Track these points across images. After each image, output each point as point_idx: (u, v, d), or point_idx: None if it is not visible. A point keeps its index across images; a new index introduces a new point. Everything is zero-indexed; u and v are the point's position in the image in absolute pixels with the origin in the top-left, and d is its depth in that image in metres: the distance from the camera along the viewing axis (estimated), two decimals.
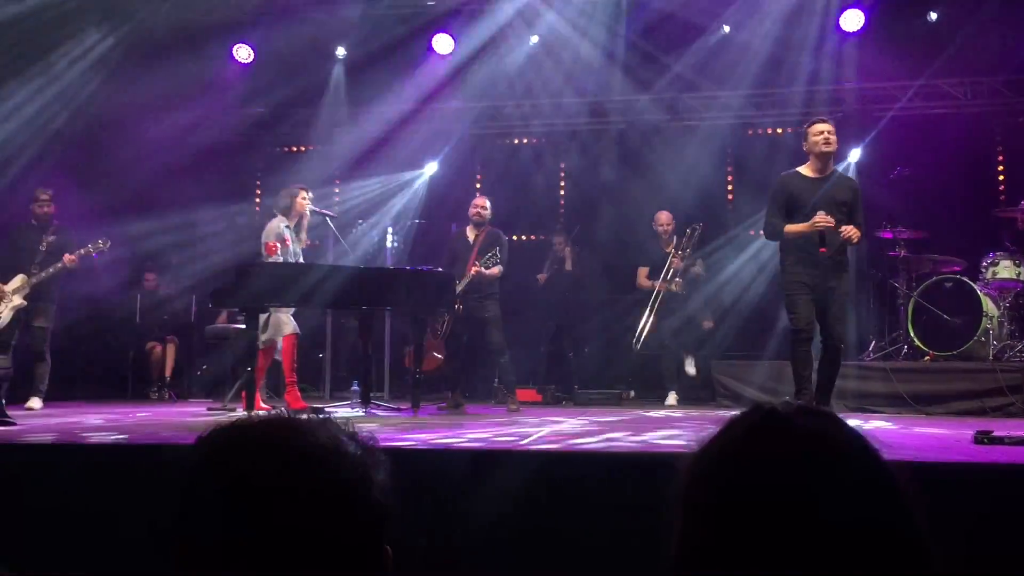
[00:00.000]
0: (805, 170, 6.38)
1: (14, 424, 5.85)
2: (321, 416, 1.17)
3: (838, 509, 0.96)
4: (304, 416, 1.16)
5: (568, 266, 10.16)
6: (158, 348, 10.16)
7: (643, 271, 9.41)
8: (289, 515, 1.03)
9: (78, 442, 4.84)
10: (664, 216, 9.44)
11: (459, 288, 8.04)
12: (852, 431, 1.06)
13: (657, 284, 9.12)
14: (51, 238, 8.09)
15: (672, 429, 5.83)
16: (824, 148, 6.24)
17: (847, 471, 1.00)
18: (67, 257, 7.92)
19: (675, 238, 9.34)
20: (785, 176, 6.47)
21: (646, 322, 8.97)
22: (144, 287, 10.60)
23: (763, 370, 8.50)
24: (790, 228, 6.18)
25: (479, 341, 8.27)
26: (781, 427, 1.04)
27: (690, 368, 9.13)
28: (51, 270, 7.91)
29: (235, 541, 1.02)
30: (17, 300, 7.87)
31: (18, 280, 7.91)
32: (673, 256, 9.20)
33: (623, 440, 4.95)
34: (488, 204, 8.45)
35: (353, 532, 1.07)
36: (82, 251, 8.01)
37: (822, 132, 6.27)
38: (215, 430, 1.12)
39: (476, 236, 8.30)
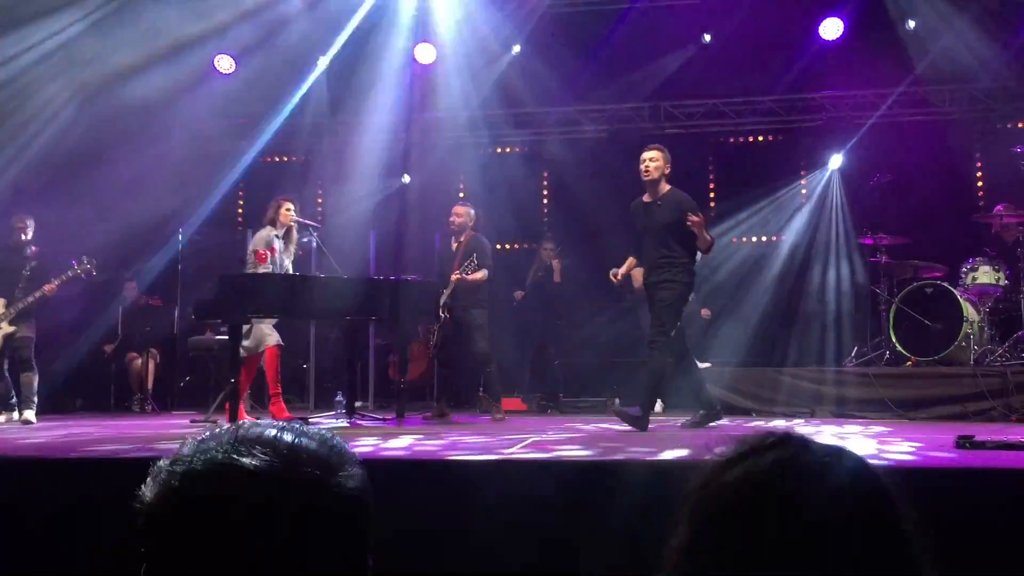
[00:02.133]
0: (645, 196, 6.76)
1: None
2: (281, 422, 1.15)
3: (854, 548, 0.99)
4: (255, 423, 1.14)
5: (556, 278, 10.17)
6: (138, 360, 10.10)
7: (638, 272, 9.39)
8: (263, 533, 1.02)
9: (64, 456, 4.80)
10: None
11: (444, 297, 8.03)
12: (868, 469, 1.07)
13: None
14: (33, 263, 8.05)
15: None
16: (643, 177, 6.68)
17: (870, 516, 1.02)
18: (47, 287, 7.89)
19: None
20: (633, 202, 6.87)
21: None
22: (125, 296, 10.54)
23: (745, 376, 8.53)
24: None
25: (465, 349, 8.25)
26: (807, 464, 1.05)
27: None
28: (33, 297, 7.87)
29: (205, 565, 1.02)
30: (5, 327, 7.87)
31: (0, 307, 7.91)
32: None
33: (611, 450, 4.95)
34: (463, 210, 8.43)
35: (325, 538, 1.06)
36: (69, 274, 7.96)
37: (643, 160, 6.70)
38: (177, 460, 1.09)
39: (458, 244, 8.30)
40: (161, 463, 1.09)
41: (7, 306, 7.91)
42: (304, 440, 1.11)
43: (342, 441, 1.15)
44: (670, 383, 9.02)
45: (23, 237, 8.15)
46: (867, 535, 0.99)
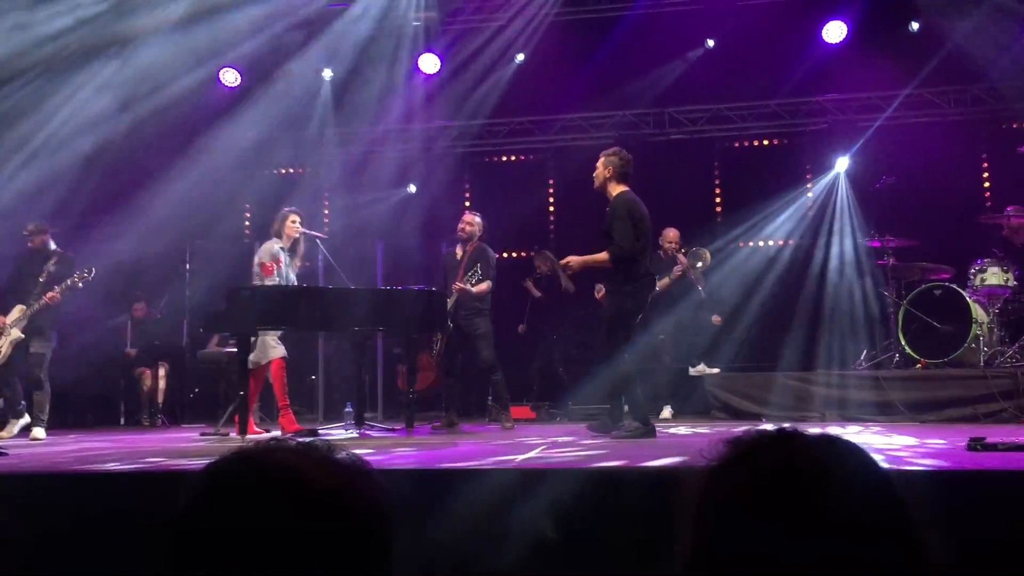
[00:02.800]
0: None
1: (5, 454, 5.81)
2: (316, 443, 1.17)
3: (870, 541, 0.99)
4: (300, 445, 1.15)
5: (536, 292, 10.16)
6: (147, 373, 10.12)
7: None
8: (294, 551, 1.04)
9: (72, 472, 4.81)
10: (672, 233, 9.34)
11: (448, 306, 8.03)
12: (870, 460, 1.07)
13: (671, 273, 9.11)
14: (52, 268, 7.95)
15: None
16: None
17: (868, 505, 1.02)
18: (49, 295, 7.79)
19: (679, 254, 9.28)
20: None
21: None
22: (134, 316, 10.56)
23: (754, 382, 8.52)
24: None
25: (471, 358, 8.25)
26: (812, 460, 1.05)
27: (703, 370, 9.08)
28: (39, 304, 7.80)
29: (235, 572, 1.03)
30: (15, 333, 7.80)
31: (16, 312, 7.84)
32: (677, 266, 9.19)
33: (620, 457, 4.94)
34: (474, 219, 8.42)
35: (352, 550, 1.07)
36: (68, 282, 7.89)
37: None
38: (215, 465, 1.11)
39: (463, 253, 8.30)
40: (196, 472, 1.12)
41: (23, 312, 7.87)
42: (333, 454, 1.13)
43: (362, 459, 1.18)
44: (665, 385, 9.01)
45: (31, 244, 8.09)
46: (880, 527, 1.00)
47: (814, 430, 1.11)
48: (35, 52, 9.26)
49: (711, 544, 1.03)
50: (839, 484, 1.02)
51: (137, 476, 4.56)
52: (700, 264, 9.31)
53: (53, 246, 8.13)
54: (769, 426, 1.12)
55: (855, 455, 1.07)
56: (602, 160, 6.66)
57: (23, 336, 7.84)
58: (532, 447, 5.54)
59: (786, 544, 0.98)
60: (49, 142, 9.81)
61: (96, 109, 9.96)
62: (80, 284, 7.88)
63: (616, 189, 6.59)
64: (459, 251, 8.35)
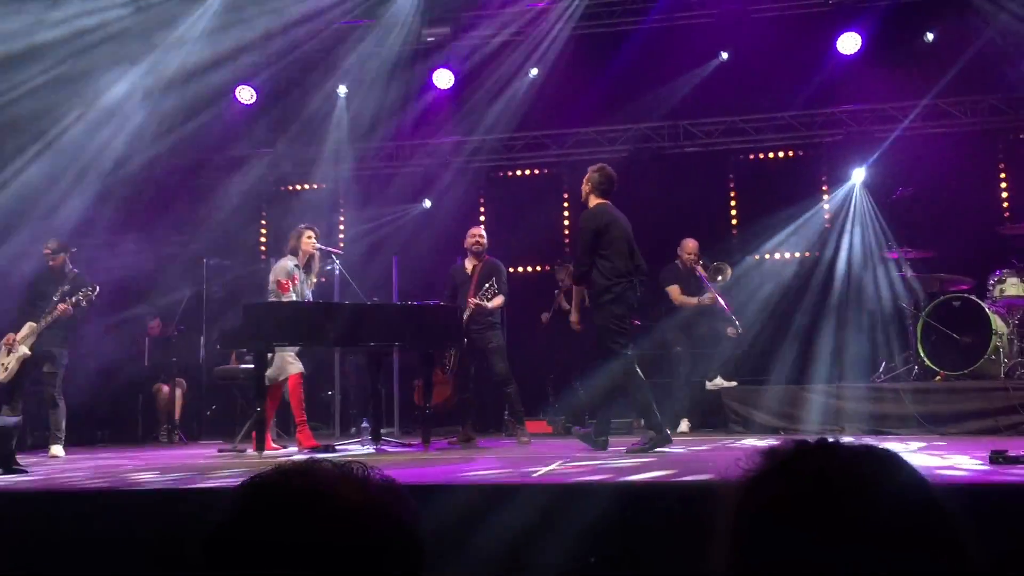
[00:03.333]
0: None
1: (26, 472, 5.83)
2: (352, 464, 1.18)
3: (915, 555, 0.98)
4: (335, 465, 1.16)
5: (564, 306, 10.13)
6: (165, 389, 10.15)
7: (675, 288, 9.23)
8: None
9: (89, 490, 4.82)
10: (691, 244, 9.28)
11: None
12: (911, 469, 1.06)
13: (703, 298, 9.09)
14: (66, 287, 7.91)
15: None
16: None
17: (911, 514, 1.00)
18: (60, 307, 7.75)
19: (698, 266, 9.24)
20: None
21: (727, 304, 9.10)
22: (149, 333, 10.59)
23: (772, 395, 8.47)
24: None
25: (484, 372, 8.23)
26: (853, 471, 1.03)
27: (719, 383, 9.03)
28: (49, 319, 7.76)
29: None
30: (22, 350, 7.79)
31: (26, 329, 7.83)
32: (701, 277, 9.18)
33: (635, 472, 4.92)
34: (483, 232, 8.43)
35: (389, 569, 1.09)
36: (74, 299, 7.84)
37: None
38: (253, 480, 1.13)
39: (474, 267, 8.27)
40: (235, 487, 1.14)
41: (33, 330, 7.84)
42: (368, 475, 1.16)
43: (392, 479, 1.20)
44: (682, 399, 8.97)
45: (53, 262, 8.02)
46: (919, 537, 0.98)
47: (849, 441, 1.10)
48: (54, 52, 9.32)
49: (745, 555, 1.02)
50: (876, 494, 1.00)
51: (155, 494, 4.57)
52: (720, 278, 9.28)
53: (70, 267, 8.13)
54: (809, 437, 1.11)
55: (894, 465, 1.05)
56: (587, 176, 6.79)
57: (30, 353, 7.81)
58: (549, 461, 5.51)
59: (821, 554, 0.97)
60: (70, 155, 9.88)
61: (117, 122, 10.05)
62: (85, 303, 7.83)
63: (592, 203, 6.70)
64: (468, 265, 8.33)
